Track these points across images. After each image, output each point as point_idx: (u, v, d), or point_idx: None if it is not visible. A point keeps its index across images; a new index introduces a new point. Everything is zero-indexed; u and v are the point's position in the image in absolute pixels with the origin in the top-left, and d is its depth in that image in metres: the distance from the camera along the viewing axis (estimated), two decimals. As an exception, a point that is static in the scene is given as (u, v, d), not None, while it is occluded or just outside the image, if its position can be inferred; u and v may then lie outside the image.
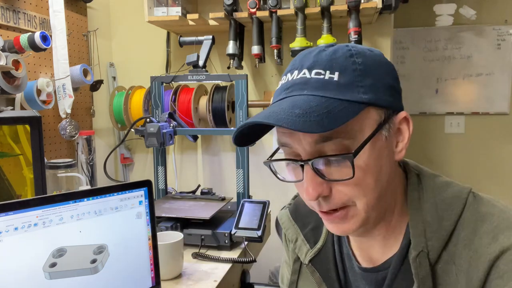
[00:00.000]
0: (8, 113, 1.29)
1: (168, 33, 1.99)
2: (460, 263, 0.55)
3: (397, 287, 0.60)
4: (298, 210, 0.77)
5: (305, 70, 0.55)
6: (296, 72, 0.56)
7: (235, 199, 1.48)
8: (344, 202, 0.56)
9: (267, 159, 0.60)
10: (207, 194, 1.49)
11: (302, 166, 0.55)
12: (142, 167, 2.11)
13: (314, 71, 0.54)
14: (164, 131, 1.40)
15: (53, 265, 0.79)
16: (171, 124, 1.48)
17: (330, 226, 0.59)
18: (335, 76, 0.53)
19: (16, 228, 0.75)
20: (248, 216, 1.25)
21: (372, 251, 0.64)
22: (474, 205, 0.58)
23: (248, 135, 0.60)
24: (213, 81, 1.71)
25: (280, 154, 0.61)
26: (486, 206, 0.57)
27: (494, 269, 0.52)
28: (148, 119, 1.43)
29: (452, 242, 0.56)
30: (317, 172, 0.54)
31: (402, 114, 0.58)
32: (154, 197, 0.95)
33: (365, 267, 0.65)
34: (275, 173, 0.61)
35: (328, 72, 0.54)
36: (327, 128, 0.49)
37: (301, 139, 0.54)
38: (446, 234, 0.57)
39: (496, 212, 0.56)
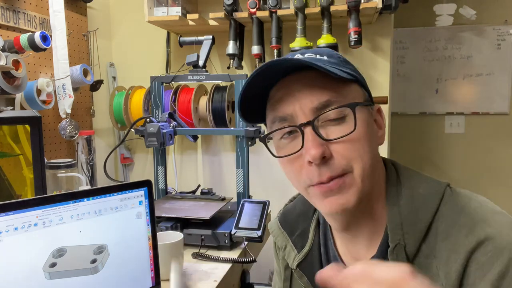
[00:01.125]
0: (8, 113, 1.29)
1: (168, 33, 1.99)
2: (440, 256, 0.56)
3: None
4: (286, 218, 0.78)
5: (298, 55, 0.61)
6: (294, 56, 0.61)
7: (235, 199, 1.48)
8: (344, 168, 0.57)
9: (265, 135, 0.64)
10: (207, 194, 1.49)
11: (302, 131, 0.58)
12: (142, 167, 2.11)
13: (306, 54, 0.61)
14: (164, 131, 1.40)
15: (53, 265, 0.79)
16: (171, 124, 1.48)
17: (327, 201, 0.59)
18: (325, 58, 0.61)
19: (16, 228, 0.75)
20: (248, 216, 1.25)
21: (358, 249, 0.65)
22: (451, 199, 0.60)
23: (253, 111, 0.65)
24: (213, 81, 1.71)
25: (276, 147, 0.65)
26: (462, 200, 0.59)
27: (472, 261, 0.54)
28: (148, 119, 1.43)
29: (432, 235, 0.58)
30: (318, 133, 0.57)
31: (376, 106, 0.65)
32: (154, 197, 0.95)
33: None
34: (270, 151, 0.63)
35: (318, 55, 0.61)
36: (338, 74, 0.56)
37: (302, 106, 0.58)
38: (423, 226, 0.58)
39: (472, 205, 0.58)
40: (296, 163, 0.60)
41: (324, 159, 0.57)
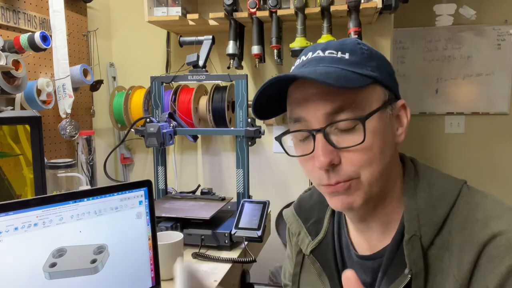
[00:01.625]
0: (8, 113, 1.29)
1: (168, 33, 1.99)
2: (452, 249, 0.57)
3: (392, 273, 0.62)
4: (301, 206, 0.81)
5: (319, 51, 0.61)
6: (310, 53, 0.62)
7: (235, 199, 1.48)
8: (350, 175, 0.59)
9: (280, 134, 0.65)
10: (207, 194, 1.49)
11: (313, 136, 0.59)
12: (142, 167, 2.11)
13: (327, 51, 0.60)
14: (164, 131, 1.40)
15: (53, 265, 0.79)
16: (171, 124, 1.48)
17: (335, 199, 0.62)
18: (346, 56, 0.59)
19: (16, 228, 0.75)
20: (248, 216, 1.25)
21: (370, 239, 0.67)
22: (468, 195, 0.61)
23: (265, 105, 0.66)
24: (213, 81, 1.71)
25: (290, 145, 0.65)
26: (478, 197, 0.61)
27: (484, 253, 0.55)
28: (148, 119, 1.43)
29: (446, 229, 0.59)
30: (328, 140, 0.59)
31: (401, 102, 0.63)
32: (154, 197, 0.95)
33: (362, 255, 0.67)
34: (285, 150, 0.65)
35: (339, 52, 0.60)
36: (345, 86, 0.55)
37: (315, 111, 0.59)
38: (439, 220, 0.60)
39: (488, 202, 0.59)
40: (309, 163, 0.62)
41: (333, 165, 0.59)
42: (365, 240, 0.68)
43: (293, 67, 0.65)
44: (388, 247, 0.63)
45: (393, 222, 0.64)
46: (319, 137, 0.59)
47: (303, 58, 0.63)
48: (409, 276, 0.59)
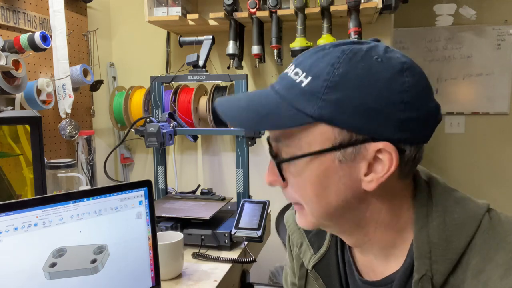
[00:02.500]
0: (8, 113, 1.29)
1: (168, 33, 1.99)
2: None
3: None
4: None
5: (292, 66, 0.55)
6: (292, 66, 0.56)
7: (235, 199, 1.48)
8: (294, 201, 0.58)
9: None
10: (207, 194, 1.49)
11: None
12: (142, 167, 2.11)
13: (295, 70, 0.54)
14: (164, 131, 1.40)
15: (53, 265, 0.79)
16: (171, 124, 1.48)
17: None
18: (306, 81, 0.51)
19: (16, 228, 0.75)
20: (248, 216, 1.25)
21: (373, 262, 0.62)
22: (489, 229, 0.53)
23: None
24: (213, 81, 1.71)
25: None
26: (502, 231, 0.52)
27: None
28: (148, 119, 1.43)
29: (461, 267, 0.52)
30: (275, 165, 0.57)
31: (380, 145, 0.50)
32: (154, 197, 0.95)
33: (366, 280, 0.62)
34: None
35: (304, 74, 0.52)
36: (247, 127, 0.56)
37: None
38: (454, 257, 0.52)
39: None
40: None
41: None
42: (368, 262, 0.63)
43: None
44: (395, 278, 0.57)
45: (399, 250, 0.58)
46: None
47: (287, 69, 0.58)
48: None
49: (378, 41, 0.55)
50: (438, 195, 0.57)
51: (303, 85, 0.51)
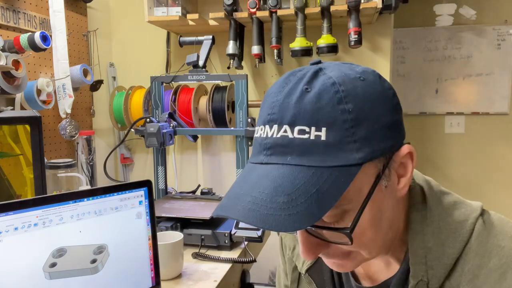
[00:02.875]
0: (8, 113, 1.29)
1: (168, 33, 1.99)
2: None
3: None
4: None
5: (286, 127, 0.46)
6: (275, 127, 0.47)
7: (235, 199, 1.48)
8: (340, 255, 0.53)
9: None
10: (207, 194, 1.49)
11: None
12: (142, 167, 2.11)
13: (297, 129, 0.45)
14: (164, 131, 1.40)
15: (53, 265, 0.79)
16: (171, 124, 1.48)
17: (326, 260, 0.55)
18: (322, 134, 0.45)
19: (16, 228, 0.75)
20: (248, 216, 1.24)
21: (369, 267, 0.62)
22: (483, 233, 0.53)
23: None
24: (213, 81, 1.71)
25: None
26: (496, 236, 0.52)
27: None
28: (148, 119, 1.43)
29: (457, 272, 0.52)
30: (312, 233, 0.50)
31: (405, 150, 0.50)
32: (154, 197, 0.95)
33: (362, 286, 0.62)
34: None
35: (313, 128, 0.45)
36: (317, 218, 0.43)
37: None
38: (450, 263, 0.52)
39: (507, 245, 0.51)
40: None
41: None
42: (365, 267, 0.62)
43: (258, 132, 0.50)
44: (391, 283, 0.57)
45: (396, 254, 0.58)
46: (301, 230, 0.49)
47: (268, 131, 0.48)
48: None
49: (319, 62, 0.51)
50: (432, 199, 0.56)
51: (323, 139, 0.45)
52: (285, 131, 0.46)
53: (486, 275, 0.50)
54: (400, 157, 0.50)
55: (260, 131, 0.49)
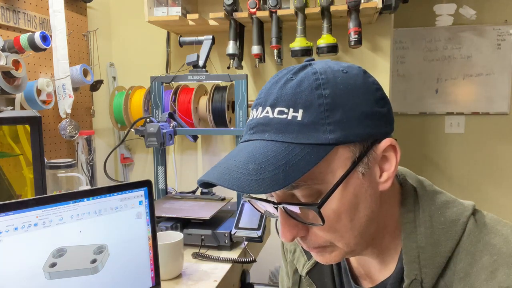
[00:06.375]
0: (8, 113, 1.30)
1: (168, 33, 1.99)
2: None
3: None
4: None
5: (268, 108, 0.50)
6: (260, 109, 0.52)
7: (235, 199, 1.48)
8: (321, 244, 0.54)
9: (247, 196, 0.55)
10: (207, 194, 1.49)
11: (276, 207, 0.52)
12: (142, 167, 2.11)
13: (277, 109, 0.50)
14: (164, 131, 1.40)
15: (53, 265, 0.79)
16: (171, 124, 1.48)
17: (314, 254, 0.57)
18: (299, 115, 0.48)
19: (16, 228, 0.75)
20: (248, 216, 1.25)
21: (369, 268, 0.62)
22: (475, 232, 0.54)
23: None
24: (213, 81, 1.71)
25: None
26: (488, 234, 0.53)
27: None
28: (148, 119, 1.43)
29: (450, 270, 0.53)
30: (290, 214, 0.51)
31: (386, 142, 0.51)
32: (154, 197, 0.95)
33: (361, 287, 0.63)
34: (256, 208, 0.58)
35: (291, 109, 0.49)
36: (281, 185, 0.46)
37: None
38: (443, 260, 0.53)
39: (498, 243, 0.52)
40: None
41: (301, 237, 0.53)
42: (364, 268, 0.63)
43: (250, 116, 0.55)
44: (388, 283, 0.58)
45: (392, 254, 0.58)
46: (280, 210, 0.52)
47: (254, 113, 0.53)
48: None
49: (312, 59, 0.55)
50: (424, 199, 0.57)
51: (299, 119, 0.48)
52: (267, 112, 0.50)
53: (477, 273, 0.50)
54: (382, 149, 0.51)
55: (250, 116, 0.54)
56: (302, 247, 0.66)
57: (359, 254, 0.58)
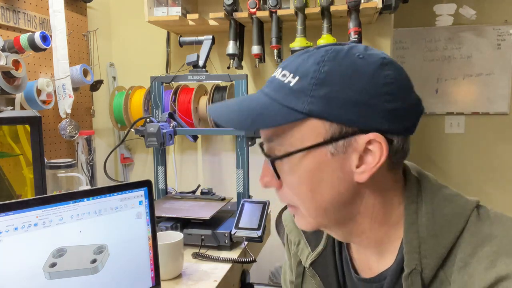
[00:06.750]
0: (8, 113, 1.30)
1: (168, 33, 1.99)
2: (455, 286, 0.52)
3: None
4: None
5: (279, 70, 0.57)
6: (278, 69, 0.58)
7: (235, 199, 1.48)
8: (289, 202, 0.60)
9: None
10: (207, 194, 1.49)
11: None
12: (142, 167, 2.11)
13: (282, 72, 0.55)
14: (164, 131, 1.40)
15: (53, 265, 0.79)
16: (171, 124, 1.48)
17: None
18: (294, 81, 0.53)
19: (16, 228, 0.75)
20: (248, 216, 1.25)
21: (369, 259, 0.63)
22: (477, 224, 0.54)
23: None
24: (213, 81, 1.71)
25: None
26: (489, 227, 0.53)
27: None
28: (148, 119, 1.43)
29: (450, 261, 0.53)
30: (270, 164, 0.57)
31: (370, 136, 0.51)
32: (154, 197, 0.95)
33: (362, 277, 0.63)
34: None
35: (291, 75, 0.54)
36: (243, 128, 0.57)
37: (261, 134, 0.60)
38: (443, 252, 0.54)
39: (500, 234, 0.52)
40: None
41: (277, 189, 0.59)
42: (365, 259, 0.64)
43: None
44: (388, 273, 0.58)
45: (393, 245, 0.59)
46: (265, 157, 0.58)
47: (275, 73, 0.59)
48: None
49: (354, 42, 0.59)
50: (428, 191, 0.58)
51: (291, 84, 0.53)
52: (277, 72, 0.57)
53: (477, 262, 0.51)
54: (364, 141, 0.52)
55: None
56: (306, 240, 0.71)
57: (330, 229, 0.61)
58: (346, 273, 0.66)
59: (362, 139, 0.52)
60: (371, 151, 0.53)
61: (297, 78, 0.53)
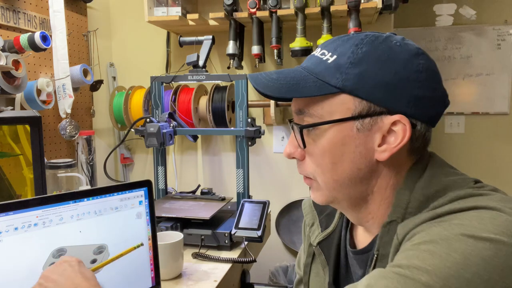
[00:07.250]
0: (8, 113, 1.29)
1: (168, 33, 1.99)
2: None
3: (381, 266, 0.57)
4: None
5: (318, 49, 0.61)
6: (317, 49, 0.62)
7: (235, 199, 1.48)
8: (308, 174, 0.63)
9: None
10: (207, 194, 1.49)
11: (292, 127, 0.63)
12: (142, 167, 2.11)
13: (322, 51, 0.60)
14: (164, 131, 1.40)
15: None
16: (171, 124, 1.48)
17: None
18: (332, 59, 0.57)
19: (16, 228, 0.75)
20: (248, 216, 1.25)
21: (364, 239, 0.67)
22: (463, 200, 0.53)
23: None
24: (213, 81, 1.71)
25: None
26: (477, 198, 0.52)
27: (419, 227, 0.51)
28: (148, 119, 1.43)
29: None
30: (295, 135, 0.61)
31: (395, 117, 0.55)
32: (154, 197, 0.95)
33: (354, 250, 0.67)
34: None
35: (330, 54, 0.58)
36: (279, 94, 0.58)
37: (292, 106, 0.63)
38: (429, 216, 0.53)
39: (473, 218, 0.49)
40: None
41: (299, 161, 0.63)
42: (361, 237, 0.68)
43: None
44: (376, 242, 0.60)
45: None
46: (291, 128, 0.63)
47: (314, 52, 0.64)
48: (375, 255, 0.58)
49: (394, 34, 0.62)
50: (434, 165, 0.60)
51: (329, 61, 0.57)
52: (317, 51, 0.61)
53: (429, 216, 0.52)
54: (390, 121, 0.55)
55: None
56: (319, 222, 0.76)
57: (341, 206, 0.64)
58: (341, 249, 0.71)
59: (388, 119, 0.55)
60: (394, 132, 0.56)
61: (335, 56, 0.57)
